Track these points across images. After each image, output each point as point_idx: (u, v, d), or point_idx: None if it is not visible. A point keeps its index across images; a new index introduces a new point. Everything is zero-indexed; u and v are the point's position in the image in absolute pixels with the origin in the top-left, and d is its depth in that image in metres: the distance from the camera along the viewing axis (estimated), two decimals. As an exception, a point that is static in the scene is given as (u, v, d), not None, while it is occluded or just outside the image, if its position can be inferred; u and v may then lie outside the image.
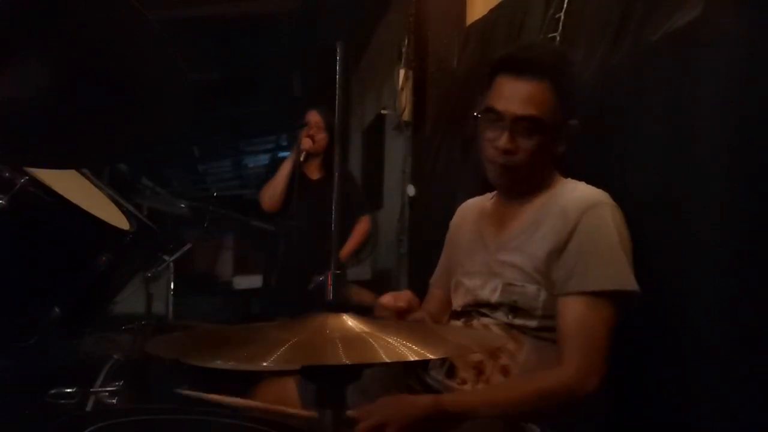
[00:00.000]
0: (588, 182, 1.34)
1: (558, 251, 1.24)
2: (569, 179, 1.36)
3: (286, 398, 1.40)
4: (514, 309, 1.29)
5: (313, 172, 3.23)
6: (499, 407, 1.18)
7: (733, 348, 1.11)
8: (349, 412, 1.05)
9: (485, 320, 1.34)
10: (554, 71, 1.29)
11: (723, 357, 1.12)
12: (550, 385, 1.18)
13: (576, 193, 1.30)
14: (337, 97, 0.89)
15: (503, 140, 1.28)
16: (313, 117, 3.12)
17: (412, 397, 1.22)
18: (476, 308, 1.37)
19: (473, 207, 1.55)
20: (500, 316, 1.31)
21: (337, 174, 0.93)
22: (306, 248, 2.91)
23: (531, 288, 1.27)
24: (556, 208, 1.29)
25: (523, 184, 1.36)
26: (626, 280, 1.20)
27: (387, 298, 1.38)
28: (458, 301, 1.43)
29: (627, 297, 1.19)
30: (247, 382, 1.53)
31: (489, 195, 1.52)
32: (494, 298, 1.32)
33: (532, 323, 1.27)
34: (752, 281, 1.07)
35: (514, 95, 1.28)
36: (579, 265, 1.21)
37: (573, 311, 1.20)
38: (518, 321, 1.28)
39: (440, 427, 1.14)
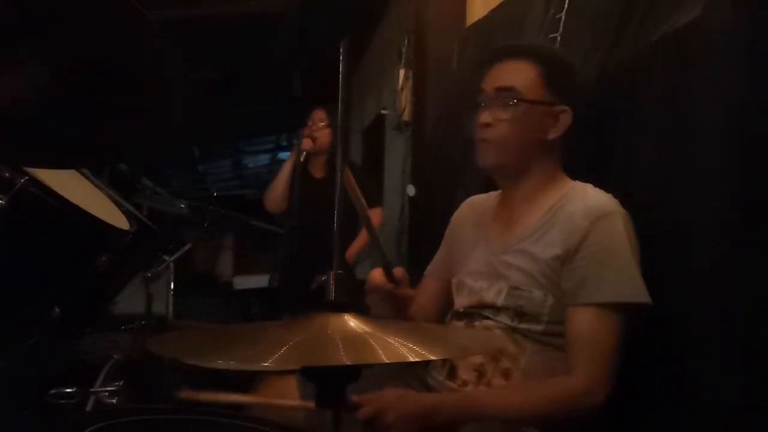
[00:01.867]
0: (588, 182, 1.34)
1: (566, 258, 1.23)
2: (577, 182, 1.35)
3: (287, 397, 1.40)
4: (520, 313, 1.28)
5: (318, 171, 3.23)
6: (503, 411, 1.18)
7: (733, 349, 1.10)
8: (354, 398, 1.06)
9: (488, 323, 1.33)
10: (536, 52, 1.36)
11: (723, 358, 1.12)
12: (556, 393, 1.18)
13: (586, 199, 1.28)
14: (340, 94, 0.88)
15: (484, 115, 1.33)
16: (318, 115, 3.13)
17: (417, 393, 1.22)
18: (479, 310, 1.36)
19: (478, 204, 1.54)
20: (504, 319, 1.30)
21: (338, 173, 0.92)
22: (310, 247, 2.91)
23: (538, 293, 1.26)
24: (565, 213, 1.27)
25: (507, 165, 1.35)
26: (639, 292, 1.19)
27: (377, 275, 1.32)
28: (461, 302, 1.42)
29: (638, 308, 1.19)
30: (247, 381, 1.53)
31: (494, 193, 1.51)
32: (499, 301, 1.31)
33: (538, 328, 1.26)
34: (752, 281, 1.07)
35: (497, 74, 1.35)
36: (591, 276, 1.20)
37: (584, 322, 1.19)
38: (523, 325, 1.28)
39: (442, 427, 1.14)
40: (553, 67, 1.33)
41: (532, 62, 1.32)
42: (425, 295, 1.56)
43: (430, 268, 1.61)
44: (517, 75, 1.32)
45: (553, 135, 1.32)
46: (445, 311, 1.54)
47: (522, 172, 1.35)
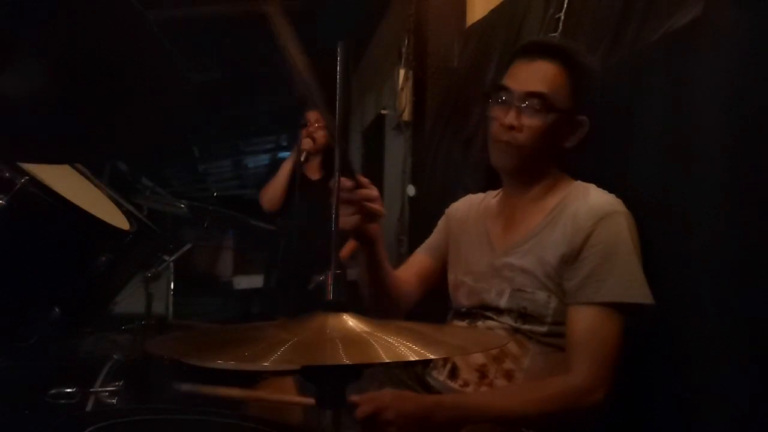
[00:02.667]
0: (589, 182, 1.33)
1: (570, 259, 1.23)
2: (579, 182, 1.35)
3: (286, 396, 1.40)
4: (523, 315, 1.28)
5: (313, 172, 3.23)
6: (502, 412, 1.17)
7: (735, 349, 1.10)
8: (351, 397, 1.05)
9: (490, 323, 1.33)
10: (568, 56, 1.30)
11: (725, 358, 1.12)
12: (556, 392, 1.17)
13: (589, 199, 1.28)
14: (337, 97, 0.89)
15: (510, 116, 1.29)
16: (314, 116, 3.12)
17: (415, 393, 1.21)
18: (481, 311, 1.36)
19: (476, 202, 1.53)
20: (507, 320, 1.30)
21: (337, 173, 0.92)
22: (306, 248, 2.91)
23: (541, 295, 1.26)
24: (567, 213, 1.27)
25: (525, 170, 1.34)
26: (641, 292, 1.19)
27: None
28: (461, 301, 1.42)
29: (639, 308, 1.18)
30: (246, 382, 1.53)
31: (493, 192, 1.51)
32: (503, 303, 1.31)
33: (541, 329, 1.26)
34: (753, 282, 1.07)
35: (525, 74, 1.30)
36: (593, 275, 1.20)
37: (585, 320, 1.19)
38: (526, 327, 1.27)
39: (440, 429, 1.14)
40: (581, 74, 1.31)
41: (563, 67, 1.29)
42: (413, 267, 1.54)
43: (424, 246, 1.58)
44: (549, 80, 1.28)
45: (569, 143, 1.32)
46: (428, 294, 1.53)
47: (536, 176, 1.35)
